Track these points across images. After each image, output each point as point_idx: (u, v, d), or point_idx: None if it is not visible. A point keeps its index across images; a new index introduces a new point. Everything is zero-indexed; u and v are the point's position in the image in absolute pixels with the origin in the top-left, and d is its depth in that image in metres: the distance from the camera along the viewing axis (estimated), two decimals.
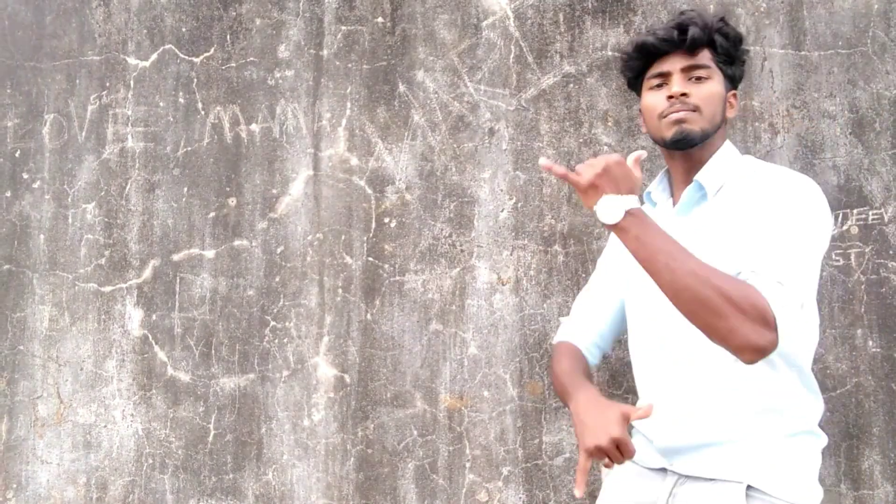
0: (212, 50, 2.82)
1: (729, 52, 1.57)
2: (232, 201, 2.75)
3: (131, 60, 2.87)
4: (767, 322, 1.23)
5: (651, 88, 1.57)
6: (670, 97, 1.51)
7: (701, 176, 1.53)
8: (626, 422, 1.32)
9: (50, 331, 2.80)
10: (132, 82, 2.86)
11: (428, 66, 2.67)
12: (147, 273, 2.77)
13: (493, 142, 2.64)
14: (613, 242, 1.81)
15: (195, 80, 2.82)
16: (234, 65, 2.80)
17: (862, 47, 2.47)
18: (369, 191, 2.68)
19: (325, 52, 2.75)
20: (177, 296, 2.74)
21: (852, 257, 2.43)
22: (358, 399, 2.61)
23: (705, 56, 1.54)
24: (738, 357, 1.26)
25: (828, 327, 2.42)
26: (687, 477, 1.45)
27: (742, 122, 2.51)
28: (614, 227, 1.34)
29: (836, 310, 2.42)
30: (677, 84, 1.51)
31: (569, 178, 1.33)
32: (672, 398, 1.48)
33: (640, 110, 1.65)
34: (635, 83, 1.64)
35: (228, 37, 2.82)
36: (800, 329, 1.43)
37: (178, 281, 2.75)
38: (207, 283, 2.73)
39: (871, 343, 2.39)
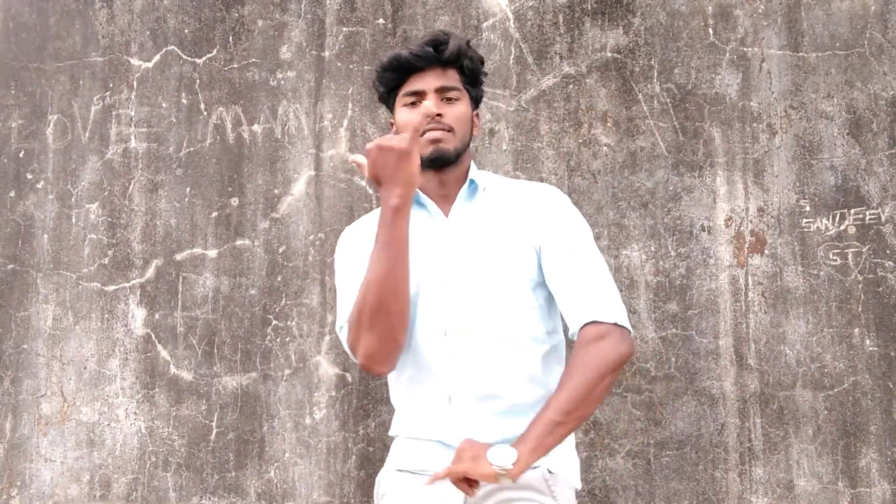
0: (214, 51, 2.84)
1: (474, 73, 1.63)
2: (234, 201, 2.77)
3: (134, 61, 2.89)
4: (626, 338, 1.48)
5: (405, 105, 1.61)
6: (427, 116, 1.56)
7: (474, 175, 1.63)
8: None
9: (53, 330, 2.82)
10: (135, 83, 2.88)
11: None
12: (150, 272, 2.79)
13: (494, 142, 2.66)
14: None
15: (198, 80, 2.84)
16: (236, 66, 2.82)
17: (859, 48, 2.48)
18: (370, 191, 2.70)
19: (326, 54, 2.77)
20: (179, 295, 2.76)
21: (849, 257, 2.45)
22: (359, 397, 2.63)
23: (455, 77, 1.60)
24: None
25: (825, 326, 2.44)
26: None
27: (740, 123, 2.53)
28: (525, 459, 1.40)
29: (834, 309, 2.44)
30: (434, 105, 1.57)
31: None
32: (465, 399, 1.53)
33: (391, 123, 1.70)
34: (387, 98, 1.67)
35: (231, 38, 2.84)
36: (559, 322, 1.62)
37: (180, 280, 2.77)
38: (210, 283, 2.75)
39: (868, 342, 2.41)
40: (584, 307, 1.47)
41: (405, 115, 1.60)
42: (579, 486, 1.59)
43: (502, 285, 1.55)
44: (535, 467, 1.48)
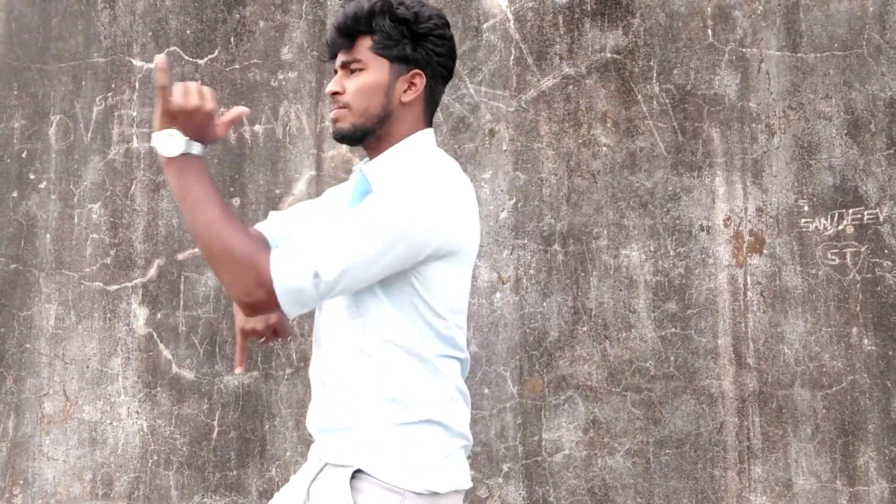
0: (216, 52, 2.86)
1: (393, 34, 1.49)
2: (236, 201, 2.79)
3: (136, 62, 2.90)
4: (261, 282, 1.31)
5: None
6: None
7: (368, 168, 1.52)
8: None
9: (56, 329, 2.83)
10: (137, 84, 2.89)
11: None
12: (152, 272, 2.80)
13: (494, 142, 2.67)
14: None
15: (199, 81, 2.85)
16: (237, 66, 2.83)
17: (857, 49, 2.50)
18: None
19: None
20: (181, 294, 2.77)
21: (848, 257, 2.46)
22: None
23: (362, 47, 1.50)
24: (240, 308, 1.39)
25: (824, 326, 2.45)
26: (327, 463, 1.46)
27: (739, 124, 2.54)
28: (167, 161, 1.37)
29: (832, 308, 2.45)
30: (333, 82, 1.52)
31: (163, 93, 1.34)
32: (316, 384, 1.52)
33: None
34: None
35: (232, 39, 2.85)
36: (391, 316, 1.44)
37: (182, 280, 2.79)
38: (211, 282, 2.76)
39: (866, 341, 2.42)
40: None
41: None
42: (420, 487, 1.39)
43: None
44: (342, 465, 1.41)
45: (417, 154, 1.52)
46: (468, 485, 1.47)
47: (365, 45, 1.51)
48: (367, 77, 1.50)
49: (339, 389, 1.47)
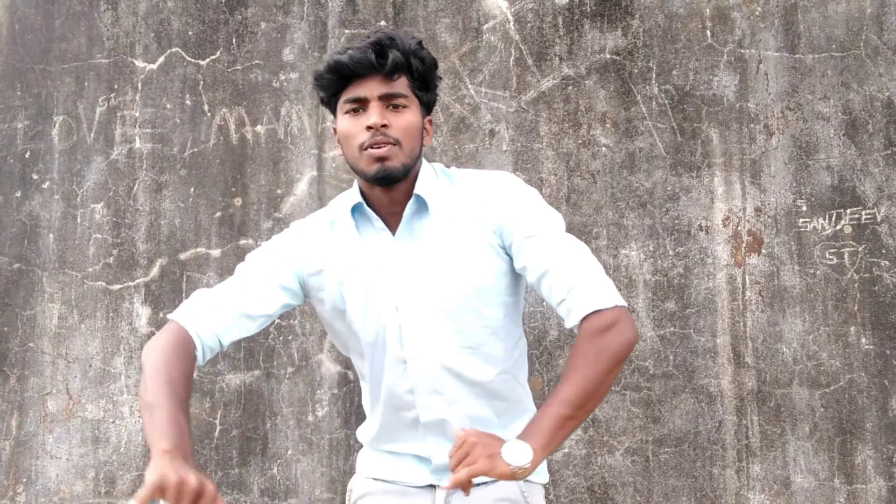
0: (218, 53, 2.87)
1: (425, 77, 1.46)
2: (237, 201, 2.81)
3: (139, 63, 2.92)
4: (631, 327, 1.36)
5: (347, 112, 1.46)
6: (369, 128, 1.41)
7: (420, 189, 1.47)
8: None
9: (59, 328, 2.85)
10: (140, 84, 2.91)
11: None
12: (154, 271, 2.82)
13: (494, 143, 2.69)
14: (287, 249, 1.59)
15: (201, 82, 2.87)
16: (239, 67, 2.85)
17: (855, 50, 2.51)
18: None
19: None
20: (183, 294, 2.79)
21: (846, 256, 2.47)
22: (360, 395, 2.66)
23: (402, 83, 1.43)
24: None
25: (822, 325, 2.47)
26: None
27: (737, 124, 2.56)
28: (539, 456, 1.29)
29: (830, 307, 2.46)
30: (376, 114, 1.41)
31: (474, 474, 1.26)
32: (432, 423, 1.49)
33: (334, 129, 1.54)
34: (328, 102, 1.52)
35: (234, 40, 2.87)
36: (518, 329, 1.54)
37: (184, 279, 2.80)
38: (213, 282, 2.78)
39: (864, 340, 2.44)
40: (580, 299, 1.36)
41: (345, 123, 1.46)
42: (547, 479, 1.56)
43: (460, 307, 1.45)
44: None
45: (441, 168, 1.55)
46: None
47: (404, 82, 1.44)
48: (412, 116, 1.45)
49: (478, 421, 1.50)
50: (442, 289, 1.45)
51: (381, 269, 1.48)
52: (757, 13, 2.58)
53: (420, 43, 1.45)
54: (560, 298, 1.38)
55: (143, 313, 2.81)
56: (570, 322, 1.38)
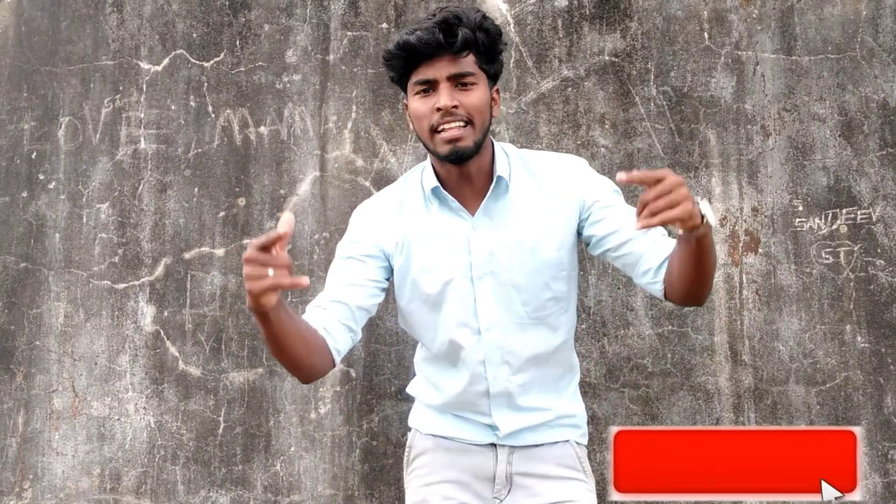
0: (222, 55, 2.90)
1: (491, 50, 1.48)
2: (241, 201, 2.83)
3: (144, 65, 2.95)
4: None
5: (417, 94, 1.48)
6: (439, 109, 1.44)
7: (501, 171, 1.52)
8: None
9: (65, 327, 2.88)
10: (145, 86, 2.94)
11: None
12: (159, 271, 2.85)
13: None
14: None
15: (206, 83, 2.90)
16: (243, 69, 2.88)
17: (851, 52, 2.54)
18: (374, 191, 2.76)
19: (331, 57, 2.83)
20: (188, 293, 2.82)
21: (841, 255, 2.50)
22: (363, 393, 2.69)
23: (470, 61, 1.46)
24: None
25: (818, 323, 2.49)
26: (518, 447, 1.59)
27: (735, 125, 2.59)
28: (708, 230, 1.36)
29: (826, 306, 2.49)
30: (446, 96, 1.43)
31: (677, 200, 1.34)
32: (501, 393, 1.57)
33: (405, 105, 1.56)
34: (399, 81, 1.54)
35: (238, 42, 2.90)
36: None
37: (189, 278, 2.83)
38: (217, 281, 2.81)
39: (859, 338, 2.46)
40: (663, 242, 1.52)
41: (417, 104, 1.48)
42: (586, 441, 1.69)
43: (532, 280, 1.51)
44: (565, 441, 1.58)
45: (510, 147, 1.61)
46: None
47: (471, 60, 1.46)
48: (481, 93, 1.46)
49: (540, 390, 1.62)
50: (515, 264, 1.51)
51: (458, 246, 1.53)
52: (754, 16, 2.61)
53: (484, 16, 1.47)
54: (647, 247, 1.50)
55: (147, 312, 2.84)
56: (657, 260, 1.49)
